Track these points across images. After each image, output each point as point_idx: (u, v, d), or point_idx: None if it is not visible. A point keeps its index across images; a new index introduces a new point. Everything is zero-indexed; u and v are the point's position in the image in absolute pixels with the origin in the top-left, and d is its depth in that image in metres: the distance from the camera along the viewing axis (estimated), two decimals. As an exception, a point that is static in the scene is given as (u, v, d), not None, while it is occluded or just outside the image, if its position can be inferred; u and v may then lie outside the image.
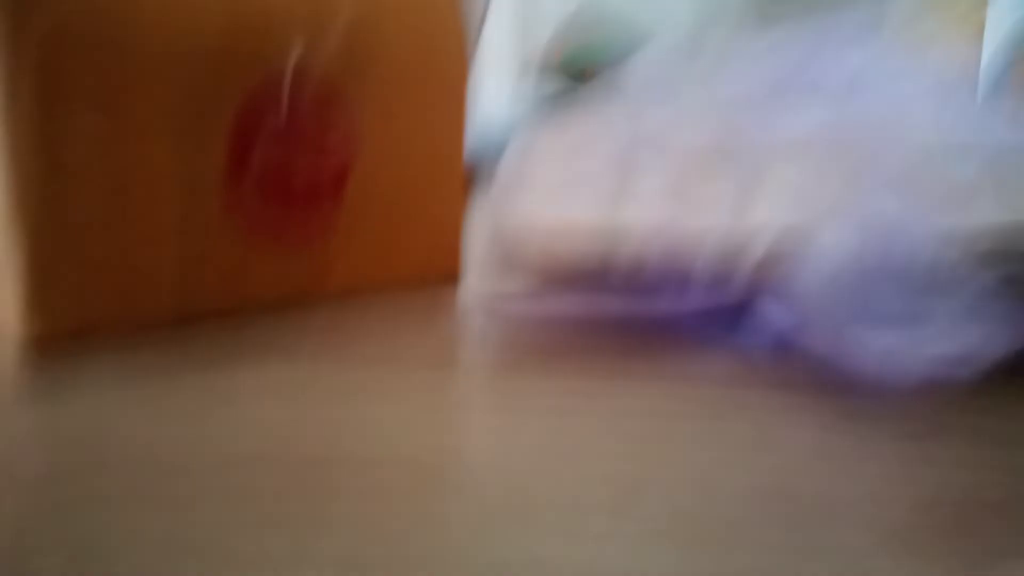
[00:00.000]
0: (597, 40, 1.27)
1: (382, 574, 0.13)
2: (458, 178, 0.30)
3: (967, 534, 0.14)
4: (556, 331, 0.25)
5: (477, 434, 0.19)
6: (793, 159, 0.27)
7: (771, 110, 0.29)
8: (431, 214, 0.30)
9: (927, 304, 0.20)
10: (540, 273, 0.25)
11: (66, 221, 0.22)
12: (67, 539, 0.13)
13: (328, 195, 0.27)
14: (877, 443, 0.18)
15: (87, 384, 0.21)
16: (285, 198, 0.26)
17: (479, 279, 0.30)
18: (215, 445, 0.17)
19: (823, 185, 0.25)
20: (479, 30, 0.31)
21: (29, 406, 0.19)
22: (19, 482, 0.16)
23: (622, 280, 0.24)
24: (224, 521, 0.14)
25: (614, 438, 0.18)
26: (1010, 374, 0.20)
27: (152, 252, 0.24)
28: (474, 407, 0.20)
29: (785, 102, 0.28)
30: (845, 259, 0.20)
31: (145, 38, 0.22)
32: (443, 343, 0.25)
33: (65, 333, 0.23)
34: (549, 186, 0.26)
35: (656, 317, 0.24)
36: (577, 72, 1.22)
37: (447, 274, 0.30)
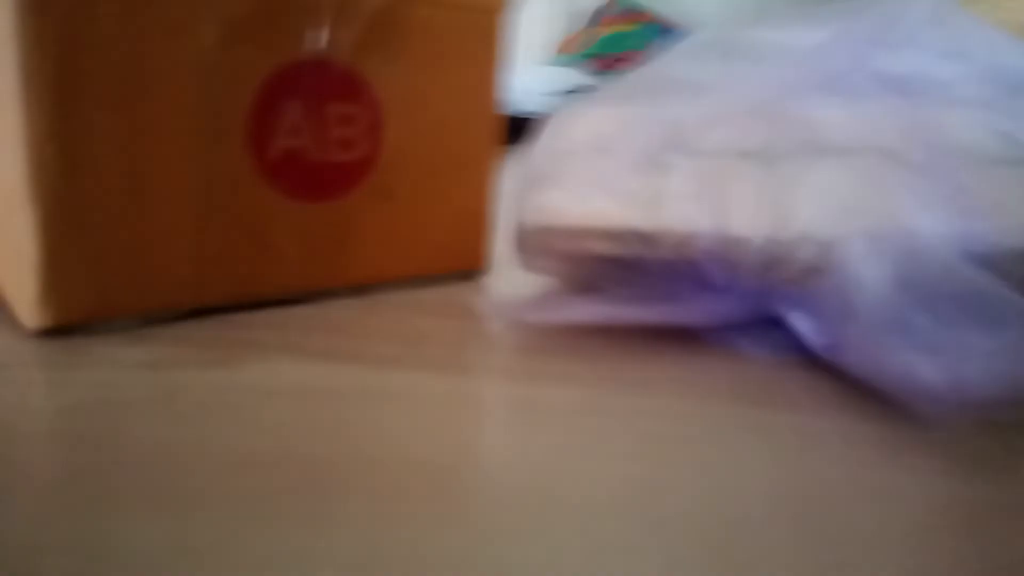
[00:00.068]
0: (631, 28, 1.25)
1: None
2: (484, 170, 0.29)
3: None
4: (578, 334, 0.24)
5: (493, 437, 0.18)
6: (835, 164, 0.25)
7: (813, 110, 0.27)
8: (455, 207, 0.29)
9: (971, 329, 0.19)
10: (564, 274, 0.24)
11: (81, 212, 0.21)
12: (77, 539, 0.13)
13: (350, 186, 0.26)
14: (912, 473, 0.17)
15: (98, 379, 0.20)
16: (306, 189, 0.25)
17: (502, 277, 0.29)
18: (226, 444, 0.17)
19: (865, 194, 0.24)
20: (512, 17, 0.30)
21: (39, 402, 0.19)
22: (29, 480, 0.15)
23: (649, 285, 0.23)
24: (235, 521, 0.14)
25: (632, 448, 0.17)
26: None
27: (168, 244, 0.23)
28: (490, 410, 0.20)
29: (828, 101, 0.27)
30: (886, 279, 0.19)
31: (165, 20, 0.22)
32: (462, 343, 0.24)
33: (77, 325, 0.22)
34: (576, 184, 0.25)
35: (683, 324, 0.23)
36: (610, 60, 1.20)
37: (470, 268, 0.29)
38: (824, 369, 0.22)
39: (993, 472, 0.18)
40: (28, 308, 0.22)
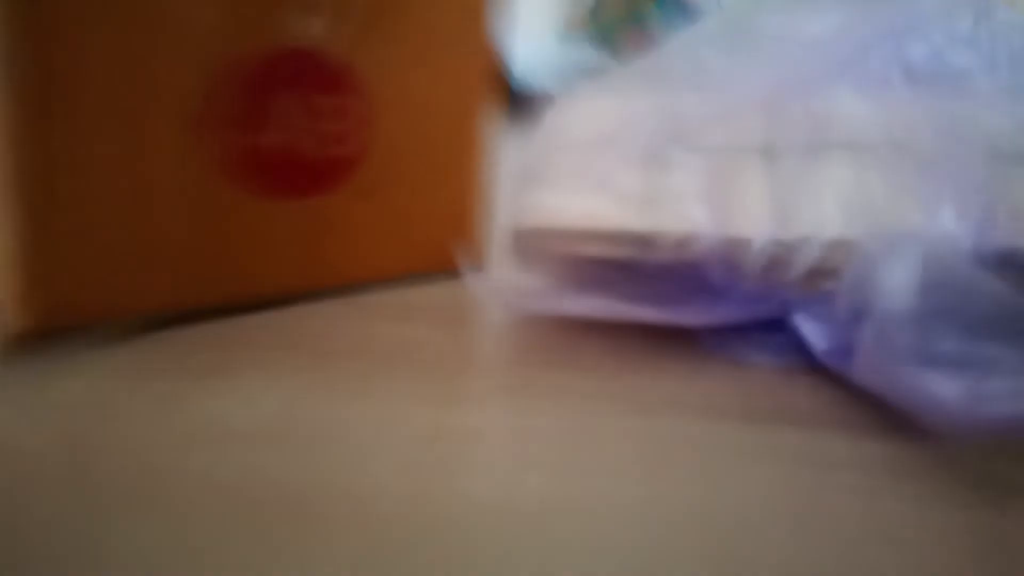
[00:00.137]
0: (642, 4, 1.22)
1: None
2: (475, 164, 0.28)
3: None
4: (572, 339, 0.23)
5: (486, 463, 0.17)
6: (845, 158, 0.24)
7: (825, 101, 0.26)
8: (445, 202, 0.28)
9: (994, 344, 0.17)
10: (562, 275, 0.23)
11: (65, 212, 0.20)
12: (58, 548, 0.13)
13: (337, 182, 0.25)
14: (930, 505, 0.16)
15: (79, 386, 0.19)
16: (294, 185, 0.24)
17: (497, 275, 0.28)
18: (206, 458, 0.16)
19: (877, 191, 0.22)
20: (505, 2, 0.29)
21: (18, 407, 0.18)
22: (7, 489, 0.15)
23: (649, 287, 0.22)
24: (214, 535, 0.13)
25: (628, 474, 0.16)
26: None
27: (152, 245, 0.22)
28: (485, 431, 0.19)
29: (842, 92, 0.26)
30: (910, 286, 0.18)
31: (148, 12, 0.20)
32: (454, 349, 0.23)
33: (60, 328, 0.21)
34: (573, 184, 0.24)
35: (683, 325, 0.22)
36: (620, 37, 1.18)
37: (463, 265, 0.28)
38: (829, 378, 0.21)
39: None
40: (10, 310, 0.21)
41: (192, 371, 0.21)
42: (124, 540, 0.14)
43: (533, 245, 0.23)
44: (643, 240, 0.22)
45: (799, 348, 0.22)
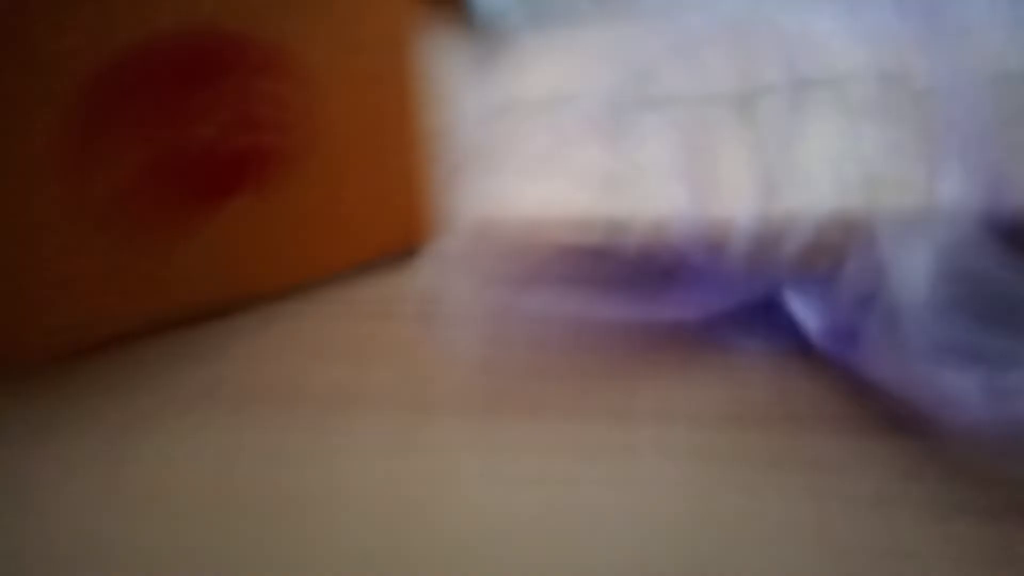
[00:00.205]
0: None
1: None
2: (417, 142, 0.25)
3: None
4: (544, 344, 0.21)
5: (454, 511, 0.15)
6: (834, 106, 0.21)
7: (800, 26, 0.23)
8: (387, 187, 0.25)
9: (1016, 338, 0.15)
10: (524, 269, 0.21)
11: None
12: None
13: (253, 179, 0.22)
14: (945, 518, 0.14)
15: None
16: (197, 189, 0.21)
17: (449, 274, 0.25)
18: (122, 527, 0.14)
19: (876, 151, 0.20)
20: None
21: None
22: None
23: (624, 278, 0.20)
24: None
25: (625, 509, 0.15)
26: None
27: (35, 280, 0.19)
28: (448, 470, 0.17)
29: (818, 10, 0.23)
30: (917, 279, 0.16)
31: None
32: (406, 369, 0.20)
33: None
34: (534, 158, 0.21)
35: (665, 323, 0.20)
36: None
37: (412, 245, 0.25)
38: (824, 367, 0.19)
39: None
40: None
41: (105, 424, 0.18)
42: None
43: (492, 237, 0.21)
44: (614, 225, 0.20)
45: (791, 330, 0.19)
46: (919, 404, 0.16)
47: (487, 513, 0.15)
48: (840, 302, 0.18)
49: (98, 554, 0.14)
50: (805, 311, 0.19)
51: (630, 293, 0.20)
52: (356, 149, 0.24)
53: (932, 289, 0.16)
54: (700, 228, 0.19)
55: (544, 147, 0.21)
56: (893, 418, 0.17)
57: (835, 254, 0.18)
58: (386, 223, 0.25)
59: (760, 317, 0.20)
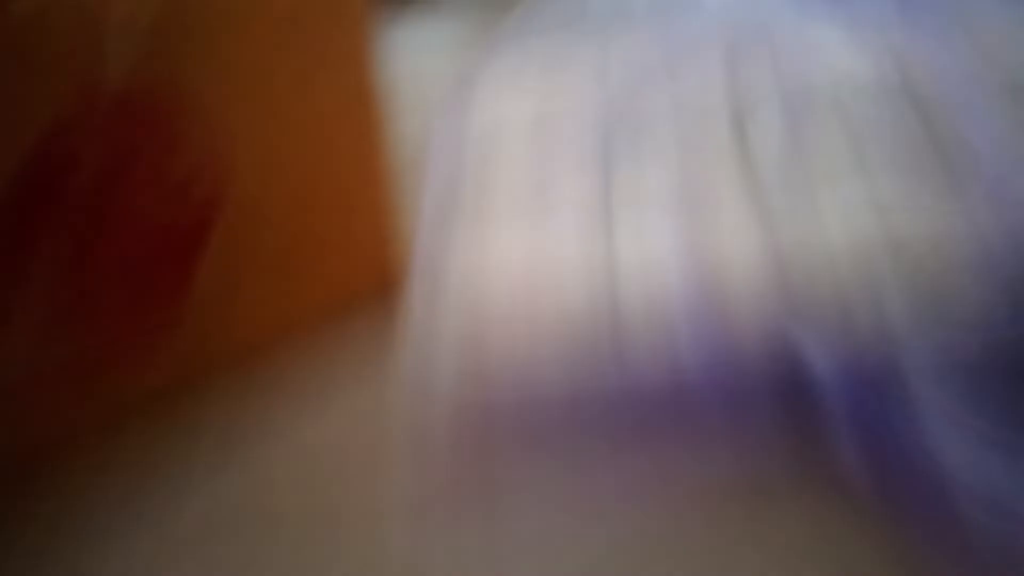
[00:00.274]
0: None
1: None
2: (381, 182, 0.22)
3: None
4: (534, 426, 0.18)
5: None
6: (841, 125, 0.19)
7: (804, 49, 0.20)
8: (349, 235, 0.22)
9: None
10: (508, 340, 0.18)
11: None
12: None
13: (192, 245, 0.19)
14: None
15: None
16: (128, 266, 0.18)
17: (424, 362, 0.21)
18: None
19: (886, 168, 0.17)
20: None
21: None
22: None
23: (625, 344, 0.17)
24: None
25: None
26: None
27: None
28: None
29: (822, 37, 0.20)
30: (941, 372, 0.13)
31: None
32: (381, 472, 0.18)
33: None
34: (515, 194, 0.18)
35: (675, 396, 0.17)
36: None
37: (380, 321, 0.22)
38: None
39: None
40: None
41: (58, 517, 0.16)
42: None
43: (467, 300, 0.18)
44: (610, 276, 0.17)
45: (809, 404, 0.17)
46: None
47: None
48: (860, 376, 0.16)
49: None
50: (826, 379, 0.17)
51: (632, 360, 0.17)
52: (317, 191, 0.21)
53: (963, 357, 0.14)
54: (703, 277, 0.16)
55: (528, 184, 0.18)
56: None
57: (844, 298, 0.16)
58: (356, 264, 0.23)
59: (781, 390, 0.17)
